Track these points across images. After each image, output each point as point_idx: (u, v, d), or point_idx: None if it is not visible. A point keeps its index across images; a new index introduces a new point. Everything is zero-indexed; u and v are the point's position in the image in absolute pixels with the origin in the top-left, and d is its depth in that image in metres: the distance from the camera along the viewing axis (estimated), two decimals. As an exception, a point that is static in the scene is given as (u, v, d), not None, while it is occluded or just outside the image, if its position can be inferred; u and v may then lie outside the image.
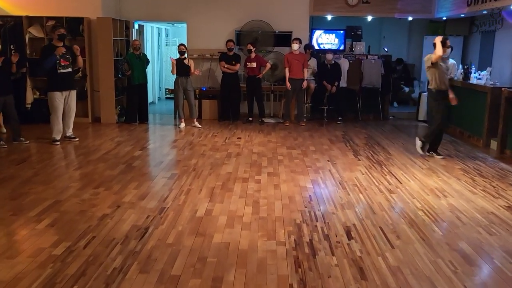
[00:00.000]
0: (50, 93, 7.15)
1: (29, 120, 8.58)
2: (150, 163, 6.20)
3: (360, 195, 5.00)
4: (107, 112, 9.17)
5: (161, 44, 12.62)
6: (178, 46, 8.66)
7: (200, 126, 8.83)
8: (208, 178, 5.52)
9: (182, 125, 8.81)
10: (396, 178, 5.65)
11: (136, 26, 10.15)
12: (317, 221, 4.22)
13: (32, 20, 8.89)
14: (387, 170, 6.01)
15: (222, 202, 4.70)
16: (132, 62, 8.83)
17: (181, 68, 8.50)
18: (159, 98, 12.62)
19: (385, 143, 7.69)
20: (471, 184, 5.48)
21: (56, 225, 4.03)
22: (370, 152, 7.03)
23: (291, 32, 9.86)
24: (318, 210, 4.51)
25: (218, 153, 6.78)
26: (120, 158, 6.41)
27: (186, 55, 8.71)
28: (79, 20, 8.86)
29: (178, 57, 8.60)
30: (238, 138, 7.90)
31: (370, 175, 5.76)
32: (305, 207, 4.59)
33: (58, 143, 7.21)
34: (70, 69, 7.23)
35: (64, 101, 7.26)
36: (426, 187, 5.32)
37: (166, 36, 13.17)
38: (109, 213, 4.35)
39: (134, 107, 9.10)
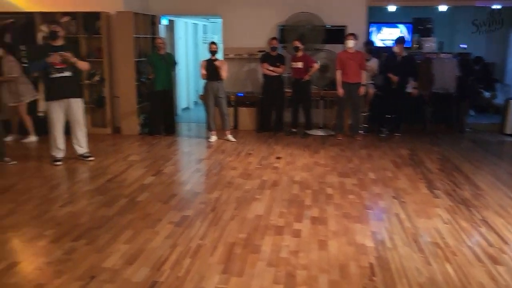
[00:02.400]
0: (46, 103, 5.95)
1: (43, 131, 7.38)
2: (159, 197, 4.80)
3: (447, 266, 3.36)
4: (128, 122, 7.92)
5: (198, 42, 11.29)
6: (209, 45, 7.23)
7: (235, 140, 7.39)
8: (229, 226, 4.05)
9: (213, 138, 7.41)
10: (496, 233, 3.95)
11: (164, 22, 8.84)
12: (385, 324, 2.66)
13: (46, 17, 7.76)
14: (479, 217, 4.31)
15: (241, 274, 3.21)
16: (155, 64, 7.52)
17: (212, 71, 7.09)
18: (196, 103, 11.30)
19: (467, 169, 5.93)
20: None
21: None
22: (450, 183, 5.31)
23: (345, 26, 8.22)
24: (386, 297, 2.94)
25: (249, 182, 5.29)
26: (124, 188, 5.06)
27: (218, 56, 7.30)
28: (96, 16, 7.65)
29: (209, 57, 7.19)
30: (277, 158, 6.39)
31: (456, 225, 4.09)
32: (365, 289, 3.03)
33: (60, 162, 6.00)
34: (68, 73, 5.91)
35: (67, 113, 6.01)
36: (547, 253, 3.60)
37: (205, 33, 11.83)
38: (74, 292, 2.98)
39: (158, 116, 7.79)
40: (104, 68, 7.77)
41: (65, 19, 7.68)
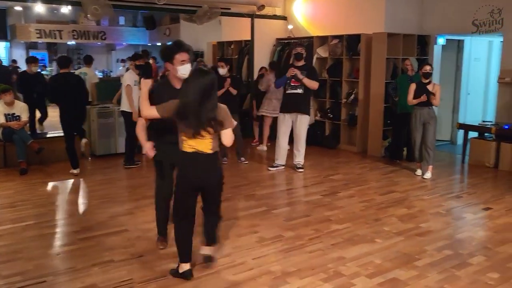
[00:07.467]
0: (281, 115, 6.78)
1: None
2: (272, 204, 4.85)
3: None
4: (373, 144, 7.84)
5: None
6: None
7: (428, 177, 6.20)
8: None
9: (419, 172, 6.47)
10: None
11: (441, 41, 8.08)
12: None
13: (322, 40, 8.64)
14: None
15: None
16: (400, 86, 7.13)
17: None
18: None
19: None
20: None
21: None
22: None
23: None
24: None
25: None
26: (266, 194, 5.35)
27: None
28: (358, 38, 7.92)
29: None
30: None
31: None
32: None
33: (274, 169, 6.76)
34: (300, 91, 6.49)
35: (293, 125, 6.69)
36: None
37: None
38: None
39: (398, 140, 7.36)
40: (359, 88, 7.97)
41: (334, 42, 8.32)
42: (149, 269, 3.58)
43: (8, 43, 15.84)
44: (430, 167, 6.32)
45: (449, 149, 8.54)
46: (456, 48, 8.62)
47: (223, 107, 3.23)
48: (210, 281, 3.42)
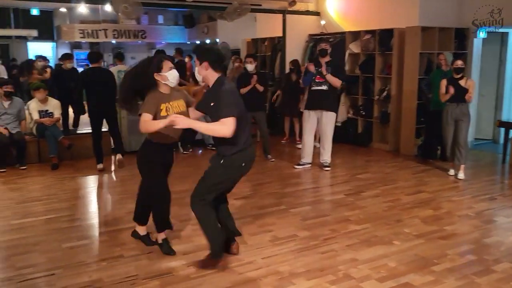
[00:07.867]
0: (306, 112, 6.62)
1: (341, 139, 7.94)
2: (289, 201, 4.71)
3: None
4: (406, 142, 7.53)
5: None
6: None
7: (461, 177, 5.90)
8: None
9: (452, 172, 6.14)
10: None
11: (482, 34, 7.64)
12: None
13: (354, 36, 8.40)
14: None
15: None
16: (434, 82, 6.81)
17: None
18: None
19: None
20: None
21: None
22: None
23: None
24: None
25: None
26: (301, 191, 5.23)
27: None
28: (391, 32, 7.63)
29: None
30: None
31: None
32: None
33: (299, 167, 6.63)
34: (325, 87, 6.35)
35: (318, 123, 6.55)
36: None
37: None
38: None
39: (431, 138, 7.03)
40: (392, 85, 7.68)
41: (367, 37, 8.06)
42: (156, 265, 3.57)
43: (55, 43, 16.44)
44: (463, 166, 5.98)
45: (490, 148, 8.09)
46: (499, 41, 8.14)
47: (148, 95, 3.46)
48: (214, 279, 3.37)
